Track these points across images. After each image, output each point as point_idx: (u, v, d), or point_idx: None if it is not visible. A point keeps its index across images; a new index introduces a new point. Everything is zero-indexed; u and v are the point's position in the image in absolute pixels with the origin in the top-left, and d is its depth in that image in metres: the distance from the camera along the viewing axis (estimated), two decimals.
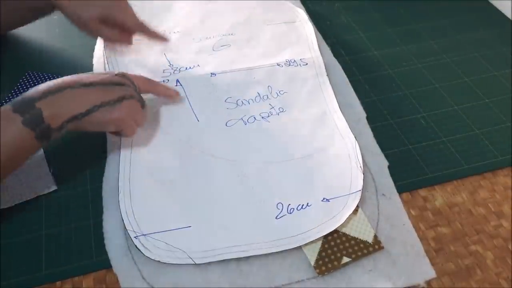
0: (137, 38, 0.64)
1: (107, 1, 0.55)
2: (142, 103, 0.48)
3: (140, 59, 0.61)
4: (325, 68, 0.60)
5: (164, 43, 0.61)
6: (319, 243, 0.43)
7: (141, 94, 0.49)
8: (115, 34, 0.57)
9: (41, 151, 0.52)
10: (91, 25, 0.54)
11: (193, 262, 0.41)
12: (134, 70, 0.59)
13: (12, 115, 0.39)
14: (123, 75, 0.47)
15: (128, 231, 0.43)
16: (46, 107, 0.40)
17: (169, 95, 0.53)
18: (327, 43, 0.67)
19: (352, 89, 0.60)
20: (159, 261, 0.41)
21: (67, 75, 0.60)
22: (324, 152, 0.51)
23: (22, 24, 0.65)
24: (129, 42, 0.60)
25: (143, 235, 0.43)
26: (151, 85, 0.51)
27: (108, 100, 0.43)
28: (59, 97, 0.41)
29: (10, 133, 0.39)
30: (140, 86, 0.49)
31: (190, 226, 0.44)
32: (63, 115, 0.41)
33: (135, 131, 0.47)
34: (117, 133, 0.48)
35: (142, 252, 0.42)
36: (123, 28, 0.57)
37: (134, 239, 0.42)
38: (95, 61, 0.63)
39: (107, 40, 0.60)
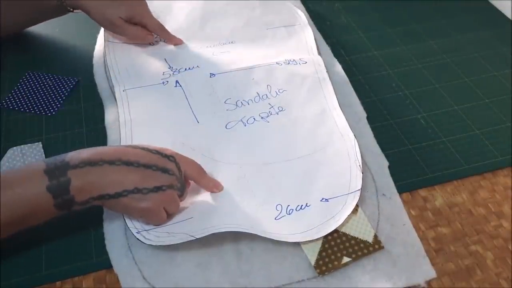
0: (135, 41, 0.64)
1: (132, 1, 0.58)
2: (181, 193, 0.43)
3: (140, 62, 0.61)
4: (325, 67, 0.60)
5: (177, 45, 0.63)
6: (319, 243, 0.43)
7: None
8: (139, 32, 0.60)
9: (41, 150, 0.52)
10: (118, 23, 0.58)
11: (194, 238, 0.41)
12: (135, 72, 0.59)
13: (41, 175, 0.37)
14: (174, 159, 0.43)
15: (130, 228, 0.43)
16: (77, 178, 0.37)
17: (211, 190, 0.47)
18: (327, 43, 0.67)
19: (352, 89, 0.60)
20: (160, 245, 0.41)
21: (67, 75, 0.61)
22: (323, 151, 0.51)
23: (32, 24, 0.66)
24: (151, 40, 0.62)
25: (145, 230, 0.43)
26: (200, 176, 0.45)
27: (143, 188, 0.39)
28: (94, 171, 0.38)
29: (31, 192, 0.36)
30: (190, 173, 0.44)
31: (191, 218, 0.44)
32: (91, 191, 0.38)
33: (164, 220, 0.43)
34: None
35: (144, 243, 0.41)
36: (144, 28, 0.60)
37: (136, 234, 0.42)
38: (95, 61, 0.63)
39: (132, 38, 0.61)
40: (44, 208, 0.37)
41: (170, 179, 0.41)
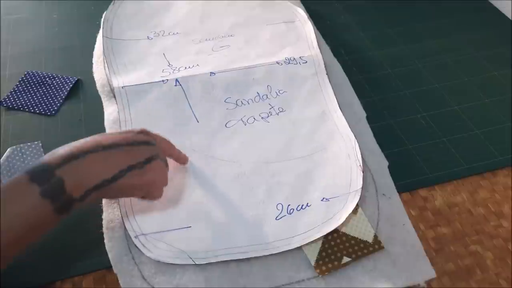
0: (134, 38, 0.64)
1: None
2: (165, 162, 0.43)
3: (139, 59, 0.61)
4: (325, 67, 0.60)
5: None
6: (319, 243, 0.43)
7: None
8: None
9: (40, 149, 0.52)
10: None
11: (193, 263, 0.41)
12: (134, 69, 0.59)
13: (28, 185, 0.33)
14: (146, 132, 0.42)
15: (128, 231, 0.43)
16: (67, 175, 0.34)
17: (181, 162, 0.48)
18: (327, 43, 0.67)
19: (352, 89, 0.60)
20: (159, 261, 0.41)
21: (67, 74, 0.61)
22: (323, 151, 0.51)
23: None
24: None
25: (143, 234, 0.43)
26: (171, 148, 0.46)
27: (136, 163, 0.38)
28: (81, 163, 0.36)
29: (25, 207, 0.33)
30: (160, 145, 0.43)
31: (190, 226, 0.44)
32: (87, 183, 0.36)
33: (162, 193, 0.42)
34: (142, 197, 0.42)
35: (142, 252, 0.42)
36: None
37: (134, 239, 0.42)
38: (94, 60, 0.63)
39: None
40: (44, 217, 0.34)
41: (154, 149, 0.41)
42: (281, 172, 0.49)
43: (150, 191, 0.41)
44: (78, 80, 0.61)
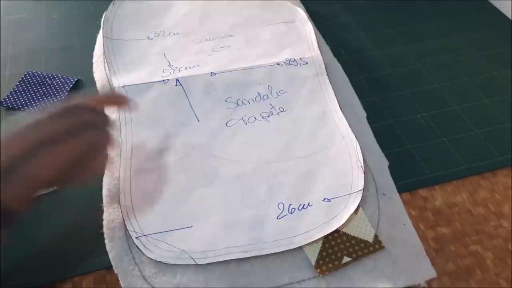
0: (135, 38, 0.64)
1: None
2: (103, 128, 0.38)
3: (140, 59, 0.61)
4: (325, 67, 0.60)
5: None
6: (320, 243, 0.43)
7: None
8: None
9: None
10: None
11: (194, 263, 0.41)
12: (134, 69, 0.59)
13: None
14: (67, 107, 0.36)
15: (129, 231, 0.43)
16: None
17: (122, 105, 0.45)
18: (327, 43, 0.67)
19: (352, 89, 0.60)
20: (160, 261, 0.41)
21: (67, 74, 0.61)
22: (325, 151, 0.51)
23: None
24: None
25: (144, 235, 0.43)
26: (104, 100, 0.42)
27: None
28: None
29: None
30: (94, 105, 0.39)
31: (191, 226, 0.44)
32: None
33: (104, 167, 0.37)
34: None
35: (143, 253, 0.42)
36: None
37: (135, 240, 0.42)
38: (94, 60, 0.63)
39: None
40: None
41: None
42: (282, 172, 0.49)
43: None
44: (78, 80, 0.61)
